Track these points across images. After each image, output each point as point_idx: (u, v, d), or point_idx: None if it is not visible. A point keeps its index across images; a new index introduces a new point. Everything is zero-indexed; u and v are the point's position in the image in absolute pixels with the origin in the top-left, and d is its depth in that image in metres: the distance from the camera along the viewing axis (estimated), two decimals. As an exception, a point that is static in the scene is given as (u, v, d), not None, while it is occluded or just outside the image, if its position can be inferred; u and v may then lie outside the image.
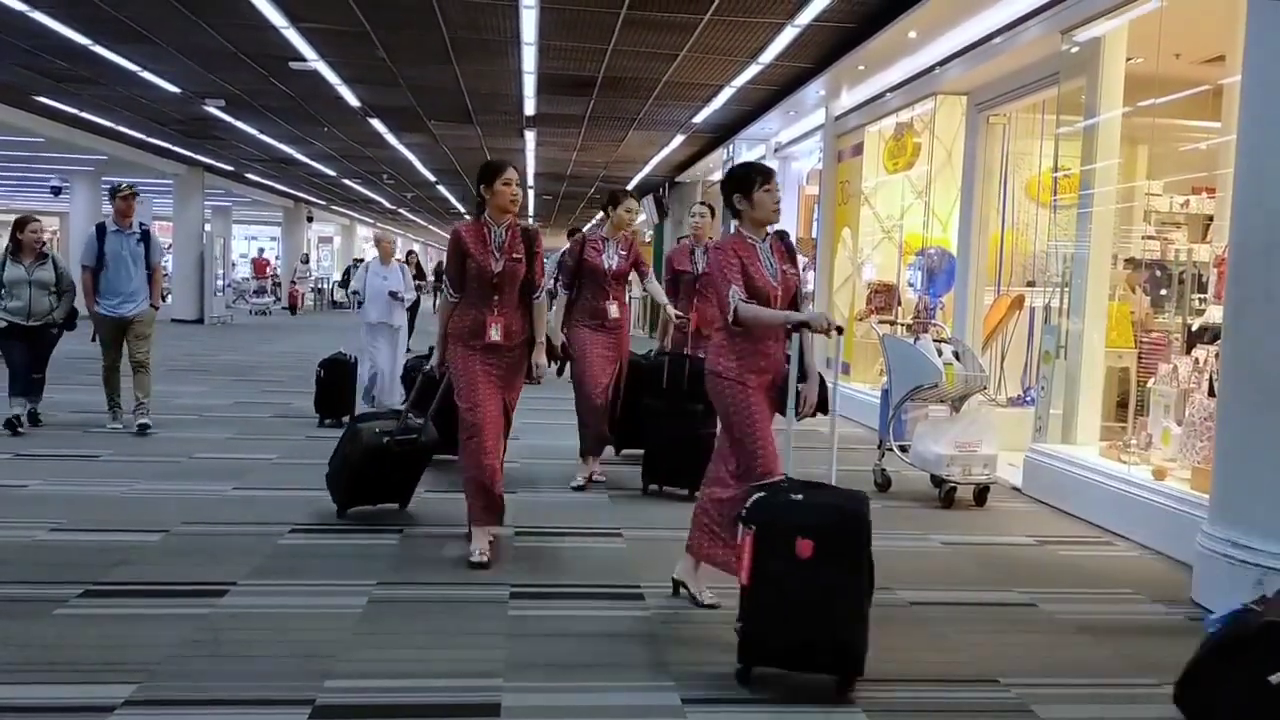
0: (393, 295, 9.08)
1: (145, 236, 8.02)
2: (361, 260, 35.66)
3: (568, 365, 6.51)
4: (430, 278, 23.00)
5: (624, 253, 6.55)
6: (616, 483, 6.66)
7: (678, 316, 6.92)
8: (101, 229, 7.93)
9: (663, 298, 7.12)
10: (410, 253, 22.88)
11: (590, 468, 6.61)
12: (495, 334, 4.75)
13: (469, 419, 4.73)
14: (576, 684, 3.41)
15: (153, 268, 8.05)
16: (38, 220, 8.06)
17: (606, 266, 6.46)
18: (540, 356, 4.95)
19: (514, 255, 4.78)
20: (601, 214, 7.28)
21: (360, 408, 8.56)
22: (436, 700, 3.26)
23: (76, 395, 8.36)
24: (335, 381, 8.74)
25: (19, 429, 7.62)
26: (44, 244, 8.01)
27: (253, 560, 4.66)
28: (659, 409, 6.35)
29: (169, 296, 20.37)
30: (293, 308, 29.75)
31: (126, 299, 7.86)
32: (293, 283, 31.03)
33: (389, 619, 3.98)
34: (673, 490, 6.33)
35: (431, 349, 6.12)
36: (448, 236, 5.16)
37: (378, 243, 9.68)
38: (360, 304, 9.20)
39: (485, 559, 4.68)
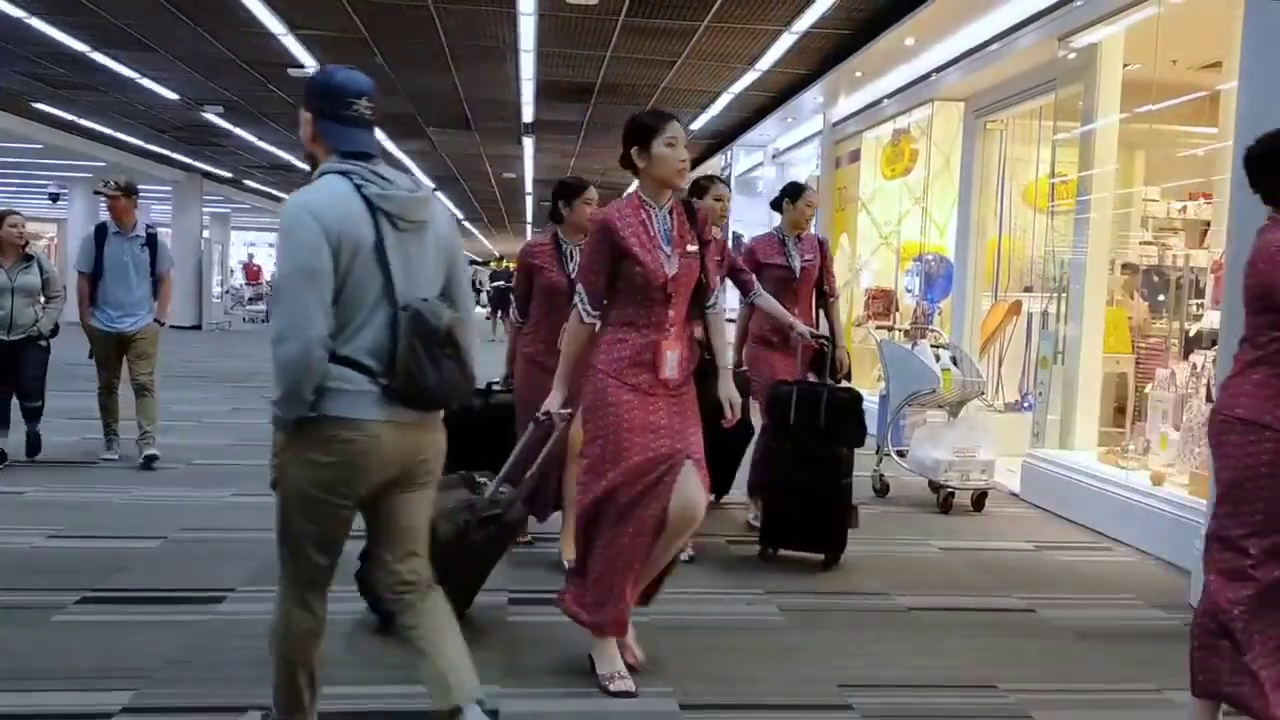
0: None
1: (151, 241, 6.90)
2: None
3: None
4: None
5: (716, 259, 4.43)
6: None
7: (814, 335, 5.32)
8: (101, 231, 6.84)
9: (786, 315, 5.24)
10: None
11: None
12: (671, 367, 3.34)
13: (609, 485, 3.29)
14: (575, 690, 3.40)
15: (160, 276, 6.96)
16: (17, 214, 6.79)
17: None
18: (731, 389, 3.52)
19: (688, 248, 3.37)
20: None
21: None
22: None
23: (76, 401, 8.31)
24: None
25: (40, 454, 6.93)
26: (27, 243, 6.82)
27: (251, 566, 4.65)
28: (784, 452, 4.97)
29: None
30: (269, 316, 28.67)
31: (126, 313, 6.80)
32: (270, 287, 30.58)
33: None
34: (803, 556, 5.04)
35: (507, 376, 5.07)
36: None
37: None
38: None
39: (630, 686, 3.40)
